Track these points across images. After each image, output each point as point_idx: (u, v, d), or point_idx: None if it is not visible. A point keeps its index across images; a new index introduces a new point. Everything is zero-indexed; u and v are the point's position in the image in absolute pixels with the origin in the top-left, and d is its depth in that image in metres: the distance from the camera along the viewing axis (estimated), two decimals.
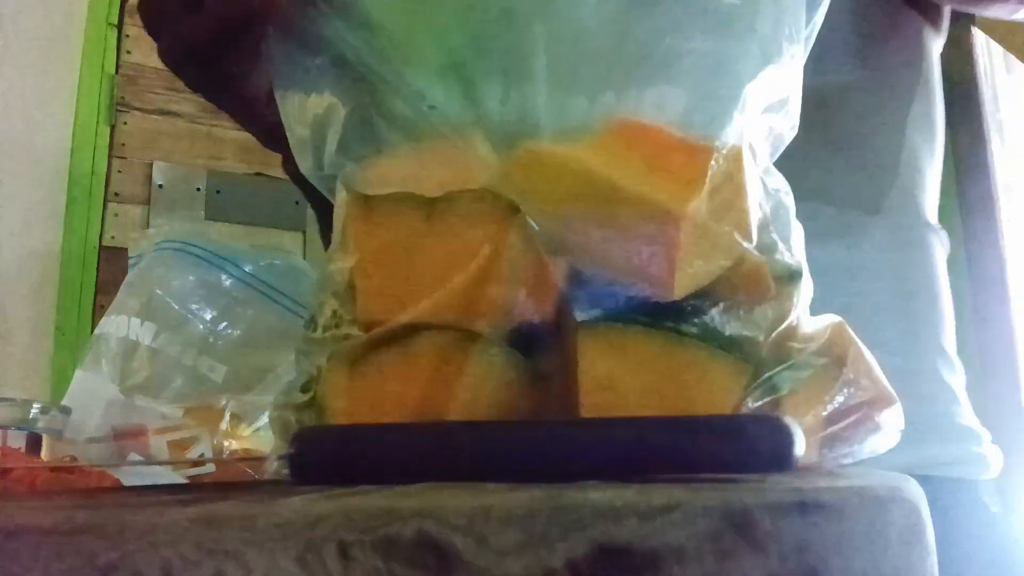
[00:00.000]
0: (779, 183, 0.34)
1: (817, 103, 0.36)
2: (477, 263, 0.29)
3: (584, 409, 0.29)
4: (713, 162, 0.30)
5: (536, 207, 0.30)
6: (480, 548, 0.19)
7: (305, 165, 0.36)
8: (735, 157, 0.31)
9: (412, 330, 0.30)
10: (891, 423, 0.33)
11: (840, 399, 0.31)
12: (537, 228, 0.30)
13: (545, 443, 0.25)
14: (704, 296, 0.29)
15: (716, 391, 0.29)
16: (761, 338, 0.30)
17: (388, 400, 0.30)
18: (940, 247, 0.62)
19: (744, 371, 0.29)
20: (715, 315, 0.29)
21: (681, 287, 0.29)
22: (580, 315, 0.29)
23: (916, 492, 0.23)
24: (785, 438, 0.24)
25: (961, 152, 1.90)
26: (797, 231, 0.34)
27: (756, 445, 0.23)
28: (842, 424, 0.31)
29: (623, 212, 0.29)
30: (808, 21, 0.34)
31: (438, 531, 0.19)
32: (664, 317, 0.29)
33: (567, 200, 0.30)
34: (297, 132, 0.36)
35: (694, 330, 0.29)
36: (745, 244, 0.30)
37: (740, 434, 0.24)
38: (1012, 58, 1.87)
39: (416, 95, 0.33)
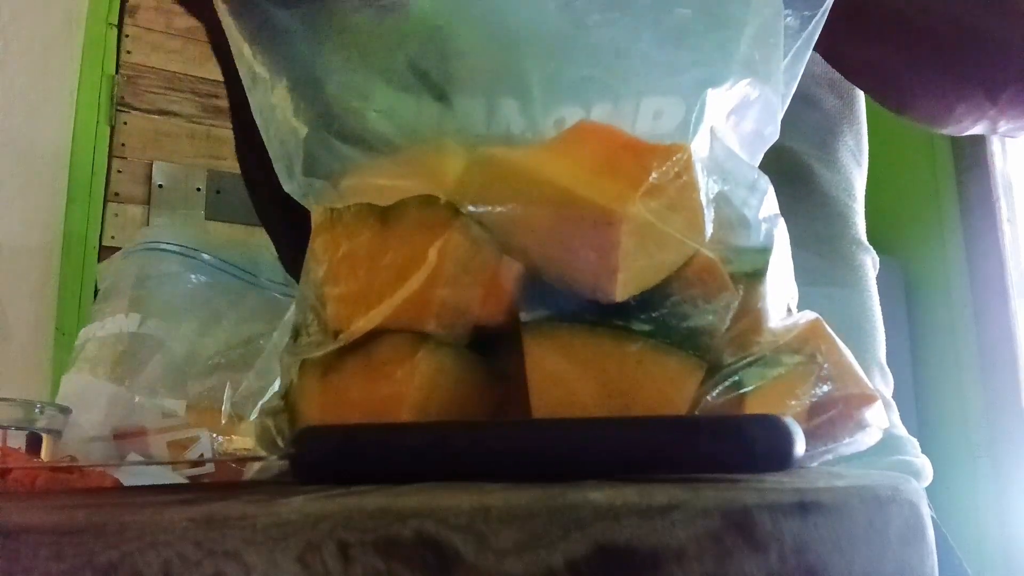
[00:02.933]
0: (755, 180, 0.34)
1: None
2: (424, 267, 0.30)
3: (535, 408, 0.29)
4: (657, 162, 0.30)
5: (490, 210, 0.30)
6: (480, 548, 0.19)
7: (286, 184, 0.37)
8: (684, 157, 0.31)
9: (374, 335, 0.31)
10: (873, 420, 0.33)
11: (814, 396, 0.32)
12: (487, 230, 0.30)
13: (545, 443, 0.25)
14: (655, 293, 0.30)
15: (668, 386, 0.29)
16: (717, 333, 0.30)
17: (353, 404, 0.31)
18: (871, 266, 0.66)
19: (697, 366, 0.29)
20: (667, 312, 0.30)
21: (625, 288, 0.29)
22: (525, 316, 0.30)
23: (916, 492, 0.23)
24: (785, 438, 0.23)
25: (961, 152, 1.90)
26: (770, 228, 0.34)
27: (756, 445, 0.23)
28: (816, 421, 0.31)
29: (568, 214, 0.30)
30: (802, 28, 0.35)
31: (438, 531, 0.19)
32: (612, 315, 0.29)
33: (518, 203, 0.30)
34: (274, 154, 0.38)
35: (646, 327, 0.29)
36: (696, 242, 0.30)
37: (740, 434, 0.24)
38: None
39: (363, 104, 0.34)
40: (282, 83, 0.36)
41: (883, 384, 0.64)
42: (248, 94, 0.38)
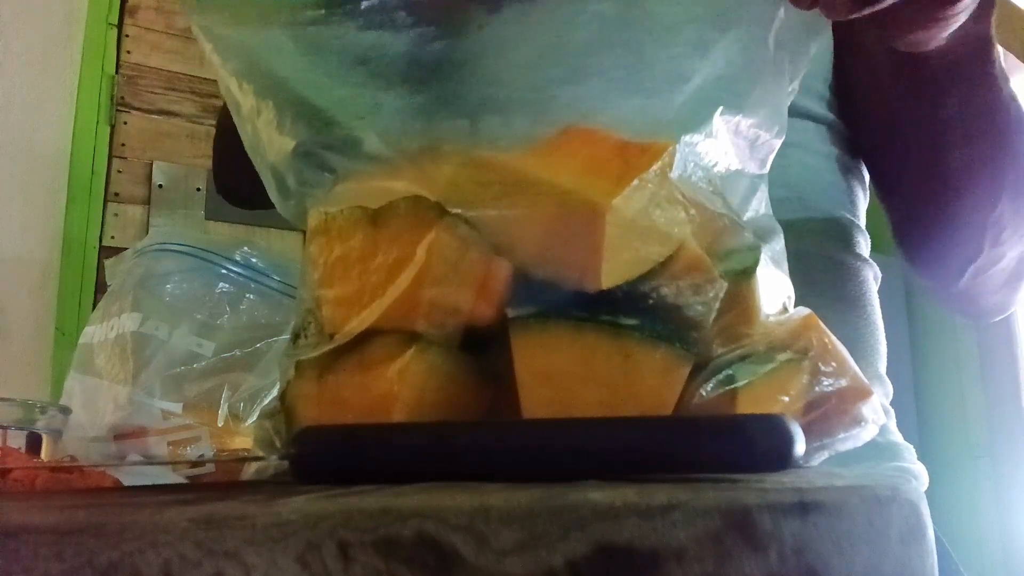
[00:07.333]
0: (750, 179, 0.35)
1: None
2: (412, 266, 0.30)
3: (524, 402, 0.30)
4: (642, 159, 0.31)
5: (482, 211, 0.31)
6: (480, 548, 0.19)
7: (275, 201, 0.38)
8: (669, 154, 0.32)
9: (366, 335, 0.31)
10: (868, 415, 0.33)
11: (807, 391, 0.32)
12: (475, 229, 0.31)
13: (545, 443, 0.25)
14: (641, 286, 0.30)
15: (656, 379, 0.29)
16: (704, 326, 0.30)
17: (346, 404, 0.31)
18: (873, 279, 0.67)
19: (685, 359, 0.30)
20: (654, 306, 0.30)
21: (610, 276, 0.29)
22: (512, 312, 0.30)
23: (916, 492, 0.23)
24: (785, 438, 0.24)
25: None
26: (763, 226, 0.34)
27: (756, 445, 0.23)
28: (811, 416, 0.32)
29: (556, 209, 0.30)
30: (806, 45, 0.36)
31: (438, 531, 0.19)
32: (600, 310, 0.30)
33: (506, 201, 0.31)
34: (264, 172, 0.38)
35: (633, 321, 0.30)
36: (681, 235, 0.31)
37: (740, 434, 0.24)
38: (1012, 59, 1.86)
39: (350, 112, 0.35)
40: (268, 104, 0.37)
41: (883, 396, 0.64)
42: (234, 116, 0.38)
